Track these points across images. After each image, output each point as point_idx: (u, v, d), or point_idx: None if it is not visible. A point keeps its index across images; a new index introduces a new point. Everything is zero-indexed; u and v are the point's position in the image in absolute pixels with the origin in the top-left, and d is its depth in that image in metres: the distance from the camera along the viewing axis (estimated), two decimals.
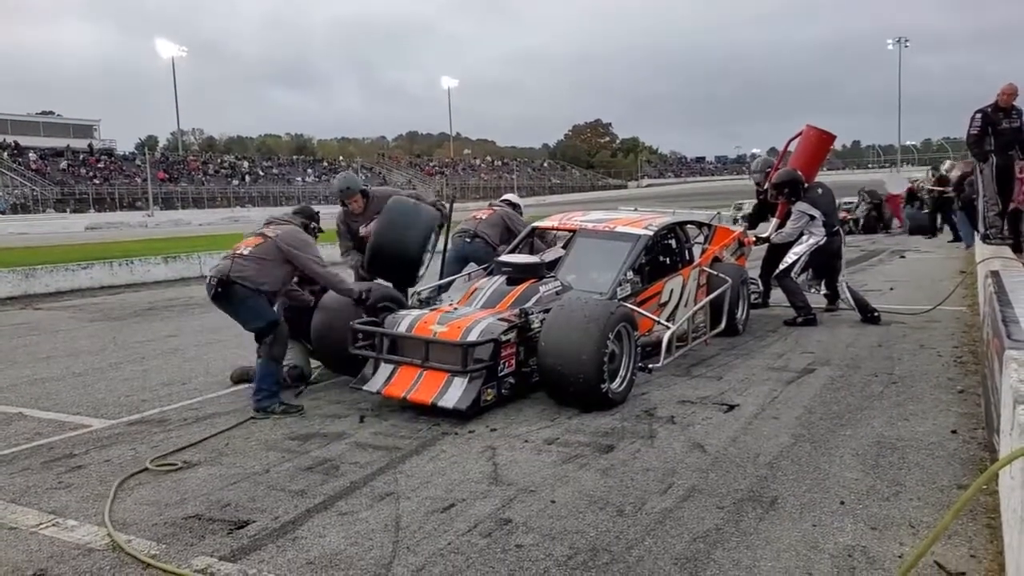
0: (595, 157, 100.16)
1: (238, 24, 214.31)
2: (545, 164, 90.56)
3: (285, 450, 4.16)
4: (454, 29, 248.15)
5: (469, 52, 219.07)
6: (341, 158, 74.64)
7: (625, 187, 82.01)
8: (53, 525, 3.28)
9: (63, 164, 49.23)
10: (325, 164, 68.26)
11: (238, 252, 4.95)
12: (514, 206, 7.97)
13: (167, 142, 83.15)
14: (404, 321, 4.99)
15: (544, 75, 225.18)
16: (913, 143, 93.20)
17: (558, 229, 6.88)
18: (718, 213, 9.23)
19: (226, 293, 4.83)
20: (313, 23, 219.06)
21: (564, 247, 6.60)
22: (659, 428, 4.35)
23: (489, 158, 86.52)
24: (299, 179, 61.53)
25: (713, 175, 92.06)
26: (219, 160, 61.54)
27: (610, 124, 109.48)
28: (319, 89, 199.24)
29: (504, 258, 6.01)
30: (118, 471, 3.88)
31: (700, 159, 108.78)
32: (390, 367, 4.91)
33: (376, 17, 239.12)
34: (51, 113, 67.73)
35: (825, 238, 7.62)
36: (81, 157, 51.41)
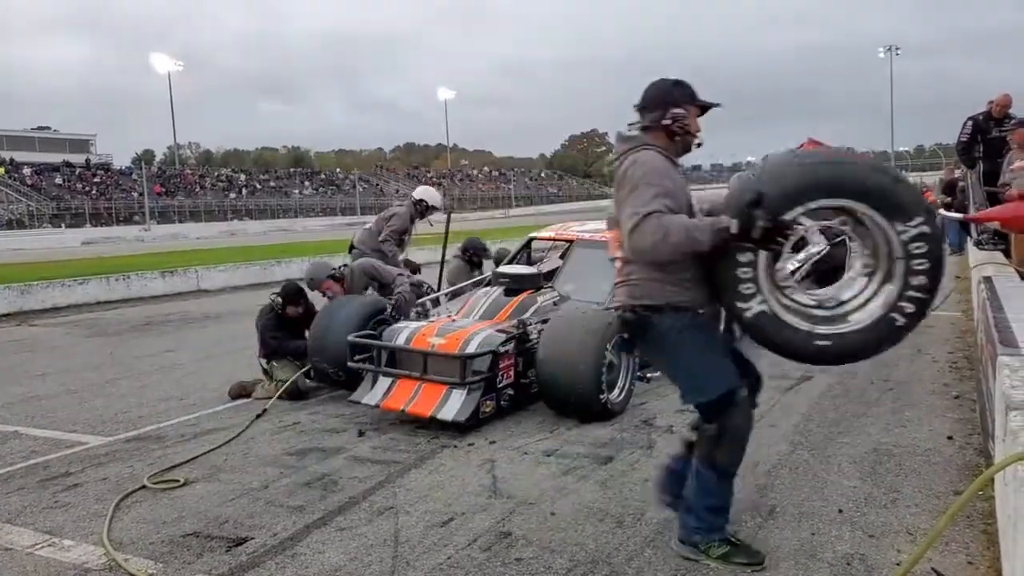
0: (592, 166, 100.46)
1: (230, 38, 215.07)
2: (542, 174, 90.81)
3: (283, 465, 4.15)
4: (447, 40, 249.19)
5: (463, 63, 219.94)
6: (339, 170, 74.76)
7: None
8: (49, 545, 3.27)
9: (59, 179, 49.29)
10: (323, 176, 68.38)
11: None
12: (429, 207, 7.45)
13: (164, 156, 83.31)
14: (402, 334, 5.00)
15: (538, 84, 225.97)
16: (906, 149, 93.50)
17: (555, 240, 6.90)
18: None
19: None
20: (305, 36, 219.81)
21: (562, 257, 6.61)
22: (658, 438, 4.35)
23: (487, 168, 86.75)
24: (296, 192, 61.62)
25: (709, 183, 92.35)
26: (216, 173, 61.62)
27: (606, 134, 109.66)
28: (315, 102, 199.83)
29: (502, 269, 6.03)
30: (115, 489, 3.87)
31: (696, 167, 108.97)
32: (388, 380, 4.91)
33: (369, 29, 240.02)
34: (47, 128, 67.85)
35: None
36: (77, 172, 51.46)
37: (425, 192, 7.65)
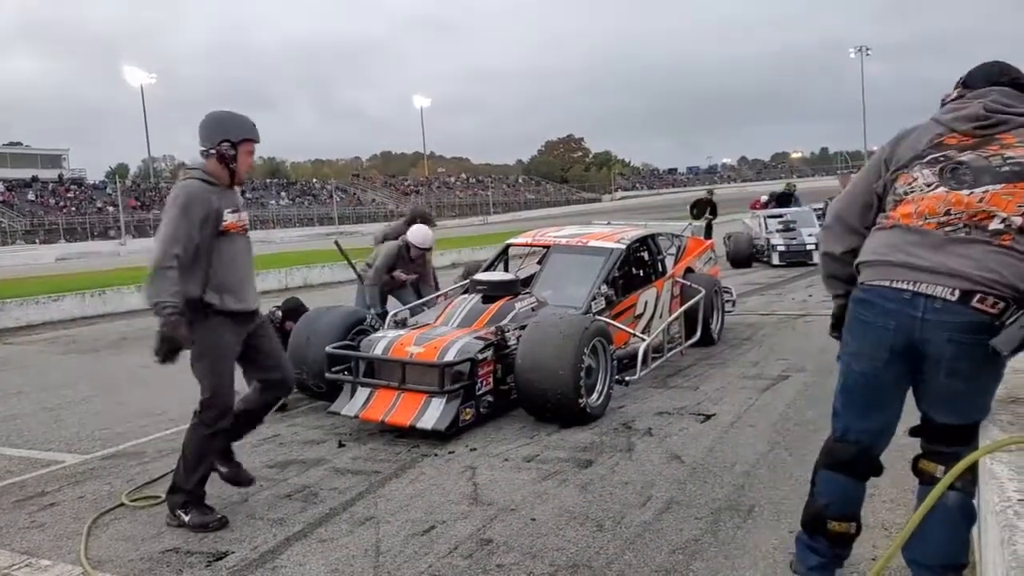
0: (569, 172, 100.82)
1: (200, 50, 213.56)
2: (519, 180, 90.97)
3: (263, 478, 4.12)
4: (420, 49, 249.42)
5: (437, 71, 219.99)
6: (315, 180, 74.42)
7: (599, 200, 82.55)
8: (26, 566, 3.22)
9: (31, 195, 48.65)
10: (299, 187, 68.05)
11: None
12: (410, 247, 6.95)
13: (138, 169, 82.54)
14: (380, 344, 4.99)
15: (513, 91, 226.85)
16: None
17: (532, 245, 6.94)
18: (689, 224, 9.34)
19: None
20: (275, 47, 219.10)
21: (539, 263, 6.65)
22: (637, 441, 4.38)
23: (464, 175, 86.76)
24: (273, 202, 61.27)
25: (686, 186, 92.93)
26: None
27: (582, 139, 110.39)
28: (288, 113, 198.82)
29: (479, 276, 6.04)
30: (93, 507, 3.82)
31: (672, 170, 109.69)
32: (367, 391, 4.89)
33: (341, 39, 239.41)
34: (18, 144, 66.92)
35: None
36: (50, 187, 50.82)
37: (410, 234, 7.04)
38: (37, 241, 42.28)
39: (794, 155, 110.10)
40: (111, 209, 48.69)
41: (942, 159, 2.34)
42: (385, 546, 3.18)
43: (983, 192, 2.25)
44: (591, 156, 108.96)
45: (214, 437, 3.50)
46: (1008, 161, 2.26)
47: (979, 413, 2.39)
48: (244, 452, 4.59)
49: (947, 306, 2.21)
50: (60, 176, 54.78)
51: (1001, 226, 2.22)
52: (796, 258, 14.48)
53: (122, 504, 3.83)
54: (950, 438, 2.41)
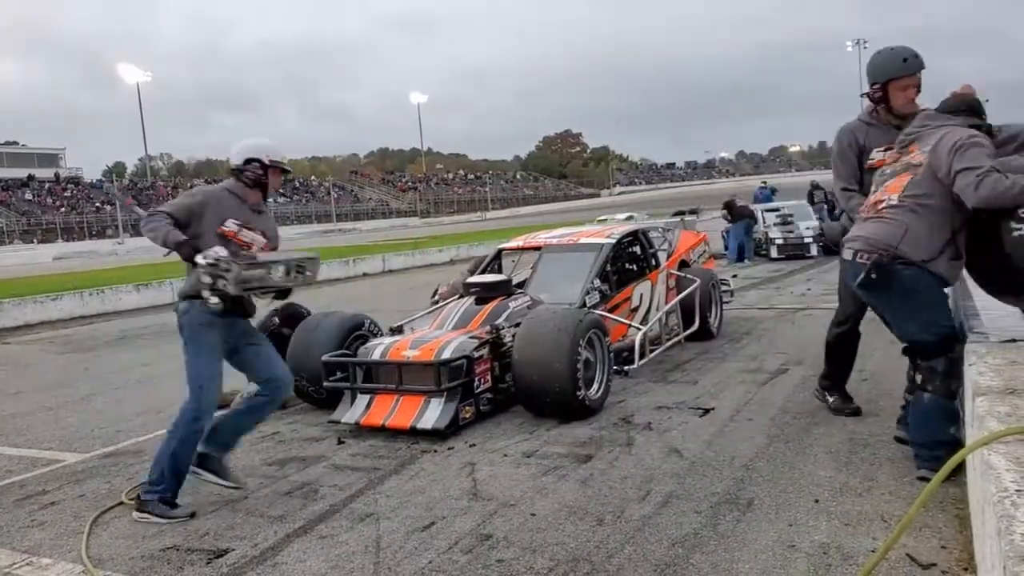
0: (567, 167, 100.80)
1: (194, 52, 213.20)
2: (517, 176, 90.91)
3: (263, 475, 4.13)
4: (416, 47, 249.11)
5: (434, 69, 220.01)
6: (313, 177, 74.31)
7: (598, 196, 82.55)
8: (27, 564, 3.23)
9: (28, 194, 48.57)
10: (297, 184, 67.96)
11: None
12: None
13: (135, 168, 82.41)
14: (377, 350, 4.99)
15: (509, 88, 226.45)
16: None
17: (524, 248, 6.98)
18: (682, 219, 9.35)
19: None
20: (268, 48, 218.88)
21: (533, 266, 6.68)
22: (636, 435, 4.38)
23: (462, 172, 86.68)
24: (271, 200, 61.17)
25: (684, 180, 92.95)
26: (188, 184, 60.97)
27: (580, 134, 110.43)
28: (284, 111, 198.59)
29: (472, 279, 6.07)
30: (93, 506, 3.83)
31: (670, 165, 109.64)
32: (367, 397, 4.89)
33: (336, 39, 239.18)
34: (15, 143, 66.80)
35: None
36: (47, 186, 50.75)
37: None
38: (35, 240, 42.27)
39: (792, 149, 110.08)
40: (108, 208, 48.62)
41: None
42: (385, 542, 3.19)
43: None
44: (589, 151, 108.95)
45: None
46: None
47: (920, 333, 3.32)
48: (243, 450, 4.60)
49: (852, 264, 3.37)
50: (57, 175, 54.69)
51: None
52: (794, 251, 14.51)
53: (122, 502, 3.84)
54: (917, 354, 3.39)
